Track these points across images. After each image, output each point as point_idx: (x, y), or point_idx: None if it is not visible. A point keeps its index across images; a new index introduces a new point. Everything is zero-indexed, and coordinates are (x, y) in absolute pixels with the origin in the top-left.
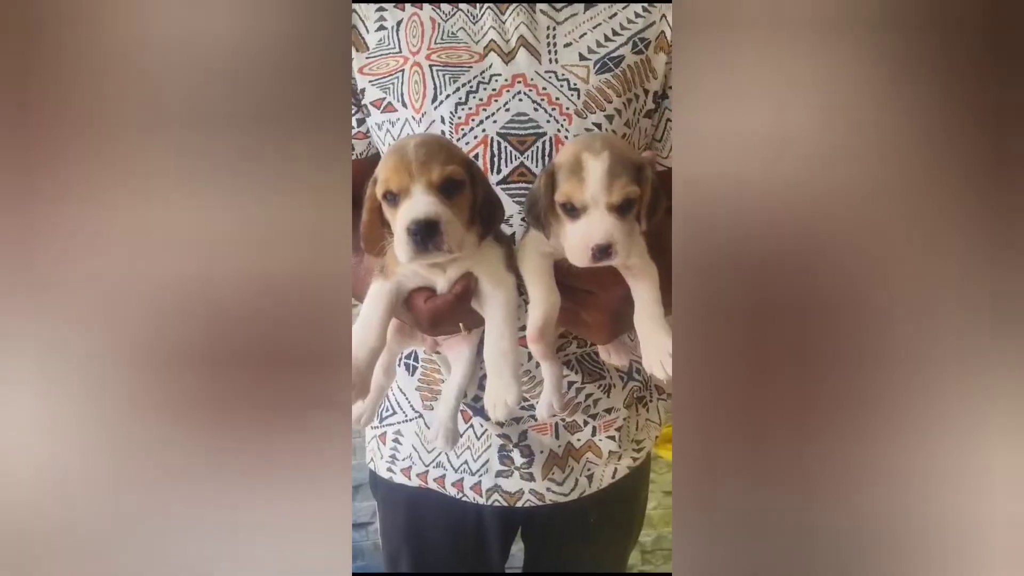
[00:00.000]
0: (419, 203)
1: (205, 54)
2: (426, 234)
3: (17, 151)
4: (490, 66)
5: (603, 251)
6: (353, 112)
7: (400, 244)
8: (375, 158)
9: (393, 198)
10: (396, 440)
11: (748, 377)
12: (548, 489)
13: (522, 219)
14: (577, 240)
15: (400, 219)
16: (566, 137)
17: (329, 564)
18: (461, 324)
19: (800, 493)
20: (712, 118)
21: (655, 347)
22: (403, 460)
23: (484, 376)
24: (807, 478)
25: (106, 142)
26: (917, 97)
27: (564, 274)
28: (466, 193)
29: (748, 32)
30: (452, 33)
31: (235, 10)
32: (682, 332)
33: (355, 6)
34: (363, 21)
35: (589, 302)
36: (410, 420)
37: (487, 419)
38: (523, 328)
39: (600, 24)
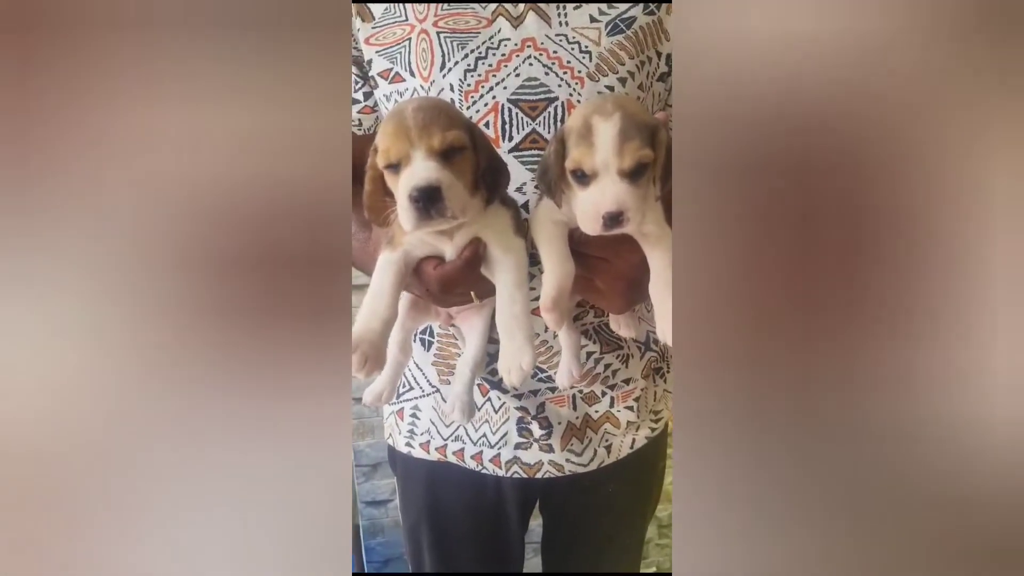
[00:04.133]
0: (420, 170)
1: None
2: (428, 201)
3: (22, 56)
4: (499, 31)
5: (614, 219)
6: (360, 85)
7: (404, 212)
8: None
9: (394, 166)
10: (414, 415)
11: (749, 295)
12: (567, 460)
13: (535, 187)
14: (588, 208)
15: (402, 187)
16: (578, 102)
17: (334, 452)
18: (472, 293)
19: (802, 444)
20: None
21: (667, 316)
22: (421, 435)
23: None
24: (808, 426)
25: (113, 46)
26: None
27: (578, 242)
28: (468, 157)
29: None
30: None
31: None
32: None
33: None
34: None
35: (604, 270)
36: (427, 395)
37: (504, 392)
38: (538, 299)
39: None
